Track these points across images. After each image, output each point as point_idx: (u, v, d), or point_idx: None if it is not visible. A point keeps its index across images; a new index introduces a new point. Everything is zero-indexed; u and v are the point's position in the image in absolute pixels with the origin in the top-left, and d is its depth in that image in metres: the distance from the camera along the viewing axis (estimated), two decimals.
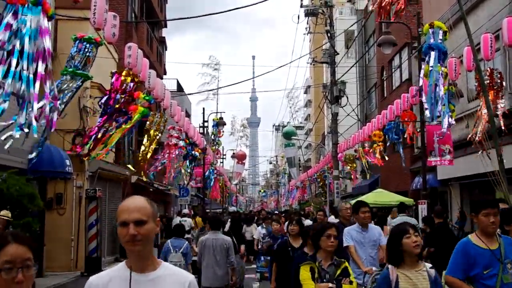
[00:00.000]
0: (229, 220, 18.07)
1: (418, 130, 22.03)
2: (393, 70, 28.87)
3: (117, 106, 11.48)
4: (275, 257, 8.64)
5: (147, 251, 2.85)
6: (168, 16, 40.55)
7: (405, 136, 16.99)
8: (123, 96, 11.36)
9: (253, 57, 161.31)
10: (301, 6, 27.97)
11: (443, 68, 10.22)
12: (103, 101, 11.69)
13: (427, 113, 10.79)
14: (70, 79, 9.39)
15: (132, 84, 11.49)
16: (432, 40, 10.17)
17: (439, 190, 22.27)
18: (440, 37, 10.24)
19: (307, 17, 28.74)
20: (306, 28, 31.12)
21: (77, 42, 9.58)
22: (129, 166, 19.12)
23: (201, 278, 9.53)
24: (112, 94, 11.31)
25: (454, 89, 12.52)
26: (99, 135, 11.03)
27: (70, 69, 9.42)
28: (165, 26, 39.36)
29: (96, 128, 11.27)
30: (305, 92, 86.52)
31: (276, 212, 26.77)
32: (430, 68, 10.02)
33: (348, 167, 28.01)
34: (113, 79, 11.58)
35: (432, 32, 10.24)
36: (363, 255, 7.87)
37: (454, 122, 12.09)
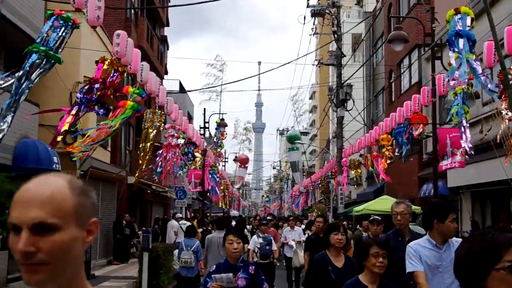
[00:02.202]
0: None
1: (422, 137, 21.10)
2: (403, 71, 27.89)
3: (95, 96, 10.47)
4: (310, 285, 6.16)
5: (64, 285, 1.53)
6: (170, 15, 39.75)
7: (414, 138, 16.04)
8: (102, 86, 10.33)
9: (259, 63, 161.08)
10: (308, 6, 27.07)
11: (473, 57, 9.13)
12: (83, 91, 10.66)
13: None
14: (39, 60, 8.31)
15: (116, 74, 10.46)
16: (459, 27, 9.10)
17: (449, 198, 21.22)
18: (468, 24, 9.18)
19: (313, 18, 27.82)
20: (312, 28, 30.13)
21: (52, 18, 8.52)
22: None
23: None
24: (92, 84, 10.33)
25: (470, 89, 11.47)
26: (67, 127, 10.00)
27: (43, 48, 8.33)
28: (167, 25, 38.49)
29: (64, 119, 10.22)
30: (310, 98, 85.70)
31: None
32: (460, 56, 8.94)
33: (353, 172, 26.98)
34: (96, 69, 10.62)
35: (459, 18, 9.18)
36: (439, 287, 5.18)
37: (468, 125, 11.17)
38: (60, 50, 8.61)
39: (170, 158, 18.70)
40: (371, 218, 9.67)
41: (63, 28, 8.56)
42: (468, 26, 9.51)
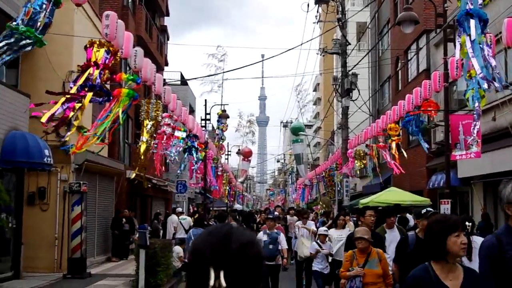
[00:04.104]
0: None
1: (431, 126, 20.22)
2: (411, 57, 27.11)
3: (91, 82, 9.74)
4: None
5: None
6: (170, 7, 38.80)
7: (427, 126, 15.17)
8: (97, 70, 9.59)
9: (262, 56, 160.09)
10: None
11: (485, 39, 8.28)
12: (76, 80, 9.93)
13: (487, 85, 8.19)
14: (21, 39, 7.45)
15: (108, 56, 9.70)
16: (470, 6, 8.25)
17: (459, 190, 20.44)
18: (480, 1, 8.34)
19: (317, 5, 27.04)
20: (316, 16, 29.30)
21: None
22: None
23: None
24: (84, 70, 9.59)
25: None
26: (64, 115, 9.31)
27: (33, 30, 7.46)
28: (167, 15, 37.64)
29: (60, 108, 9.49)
30: (314, 90, 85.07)
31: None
32: (473, 38, 8.10)
33: (357, 164, 26.19)
34: (87, 54, 9.87)
35: None
36: None
37: (481, 112, 10.35)
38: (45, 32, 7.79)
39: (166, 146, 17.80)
40: (425, 210, 7.57)
41: (50, 8, 7.74)
42: (480, 5, 8.66)
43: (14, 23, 7.60)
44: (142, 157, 15.41)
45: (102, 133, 11.56)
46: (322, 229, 12.47)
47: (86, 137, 11.18)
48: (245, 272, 1.59)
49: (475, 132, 10.49)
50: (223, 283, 1.54)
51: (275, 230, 12.30)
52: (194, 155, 22.27)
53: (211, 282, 1.55)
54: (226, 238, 1.63)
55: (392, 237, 9.38)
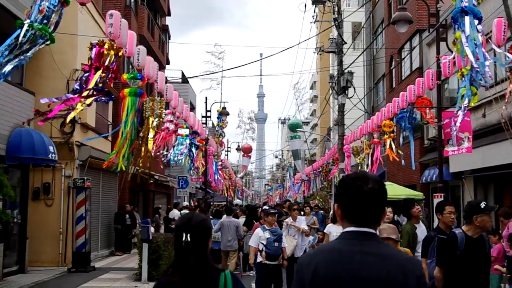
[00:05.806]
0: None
1: (424, 122, 20.64)
2: (404, 56, 27.58)
3: (100, 84, 10.11)
4: None
5: None
6: (172, 7, 39.20)
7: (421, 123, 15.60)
8: (105, 73, 9.97)
9: (261, 55, 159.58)
10: None
11: (479, 36, 8.65)
12: (83, 78, 10.24)
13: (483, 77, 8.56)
14: (33, 37, 7.75)
15: (115, 59, 10.08)
16: (465, 3, 8.65)
17: (451, 184, 20.97)
18: (474, 1, 8.75)
19: (314, 6, 27.52)
20: (313, 16, 29.84)
21: None
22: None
23: (220, 245, 15.19)
24: (92, 70, 9.95)
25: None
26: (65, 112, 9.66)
27: (39, 25, 7.74)
28: (169, 15, 38.06)
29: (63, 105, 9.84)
30: (311, 88, 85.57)
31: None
32: (467, 34, 8.50)
33: (357, 160, 26.67)
34: (93, 53, 10.19)
35: None
36: None
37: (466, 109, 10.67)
38: (55, 30, 8.12)
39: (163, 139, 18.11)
40: (484, 204, 5.90)
41: (56, 7, 8.09)
42: (473, 3, 9.05)
43: (28, 20, 7.83)
44: (148, 154, 15.76)
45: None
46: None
47: (122, 145, 11.47)
48: (199, 235, 3.21)
49: (458, 125, 10.75)
50: (189, 239, 3.16)
51: (275, 227, 10.94)
52: (194, 151, 22.66)
53: (183, 238, 3.16)
54: (190, 218, 3.28)
55: (420, 233, 8.54)
